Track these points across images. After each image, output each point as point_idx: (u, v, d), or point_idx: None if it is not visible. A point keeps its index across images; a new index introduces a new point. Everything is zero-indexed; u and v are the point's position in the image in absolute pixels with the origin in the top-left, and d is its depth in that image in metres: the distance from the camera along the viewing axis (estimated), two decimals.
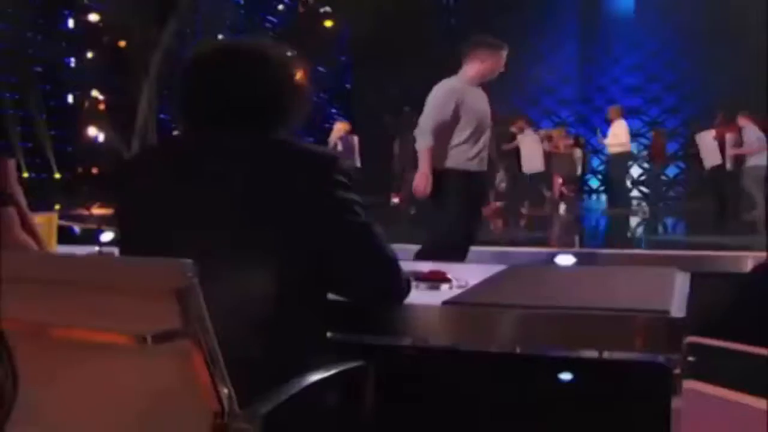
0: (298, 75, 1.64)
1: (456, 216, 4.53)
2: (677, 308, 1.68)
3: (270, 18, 19.30)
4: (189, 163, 1.54)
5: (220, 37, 17.68)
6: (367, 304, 1.69)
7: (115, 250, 2.30)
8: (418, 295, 1.76)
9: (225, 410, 1.24)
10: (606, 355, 1.79)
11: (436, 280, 1.95)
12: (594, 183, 19.51)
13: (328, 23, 19.42)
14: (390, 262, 1.63)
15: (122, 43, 17.39)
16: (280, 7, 19.52)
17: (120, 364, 1.29)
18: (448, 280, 1.96)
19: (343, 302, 1.67)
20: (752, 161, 11.23)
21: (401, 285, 1.68)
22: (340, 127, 13.22)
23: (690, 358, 1.87)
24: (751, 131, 11.29)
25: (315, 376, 1.43)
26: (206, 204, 1.49)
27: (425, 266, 2.05)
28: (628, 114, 14.97)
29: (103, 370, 1.30)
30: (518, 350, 1.78)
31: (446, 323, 1.72)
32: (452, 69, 4.77)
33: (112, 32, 17.28)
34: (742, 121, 11.39)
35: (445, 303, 1.75)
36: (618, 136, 12.80)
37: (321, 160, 1.53)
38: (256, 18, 18.70)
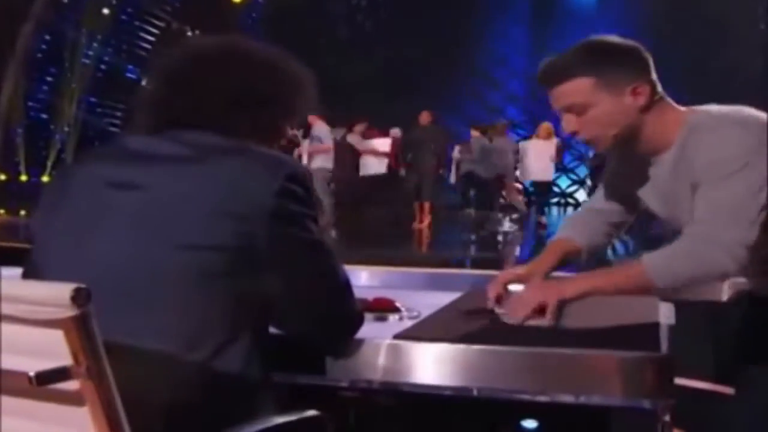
0: (286, 79, 1.73)
1: None
2: (665, 345, 1.71)
3: None
4: (124, 166, 1.60)
5: (105, 11, 17.53)
6: (312, 337, 1.70)
7: None
8: (363, 328, 1.76)
9: None
10: (581, 399, 1.79)
11: (383, 309, 1.97)
12: None
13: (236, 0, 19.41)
14: (342, 288, 1.67)
15: None
16: None
17: None
18: (397, 310, 1.98)
19: (277, 336, 1.66)
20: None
21: (353, 315, 1.72)
22: None
23: (681, 403, 1.89)
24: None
25: (264, 425, 1.48)
26: (133, 214, 1.53)
27: (369, 293, 2.05)
28: None
29: None
30: (475, 392, 1.75)
31: (396, 361, 1.71)
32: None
33: None
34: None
35: (396, 337, 1.75)
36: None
37: (271, 165, 1.56)
38: None
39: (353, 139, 14.99)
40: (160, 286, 1.48)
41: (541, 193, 14.44)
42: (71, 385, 1.20)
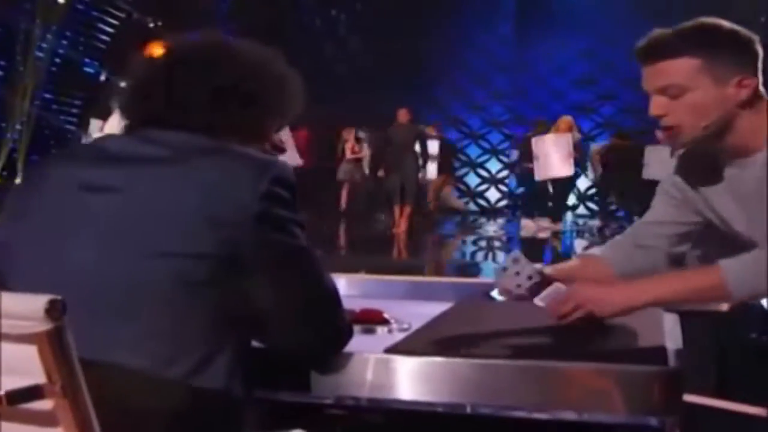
0: (273, 79, 1.73)
1: None
2: (673, 358, 1.70)
3: None
4: (99, 168, 1.59)
5: (60, 0, 17.39)
6: (297, 350, 1.68)
7: None
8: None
9: None
10: (584, 416, 1.79)
11: (371, 321, 1.96)
12: None
13: None
14: (329, 298, 1.66)
15: None
16: None
17: None
18: (386, 322, 1.98)
19: (258, 350, 1.65)
20: None
21: (342, 327, 1.70)
22: None
23: (690, 421, 1.89)
24: None
25: None
26: (109, 220, 1.52)
27: (352, 303, 2.03)
28: (575, 111, 15.61)
29: None
30: (468, 409, 1.74)
31: (384, 376, 1.70)
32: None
33: None
34: None
35: (387, 351, 1.74)
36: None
37: (255, 166, 1.55)
38: None
39: None
40: (138, 297, 1.47)
41: (560, 193, 14.34)
42: (44, 404, 1.19)
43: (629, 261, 2.21)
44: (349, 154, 16.64)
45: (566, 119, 14.03)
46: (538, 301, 1.96)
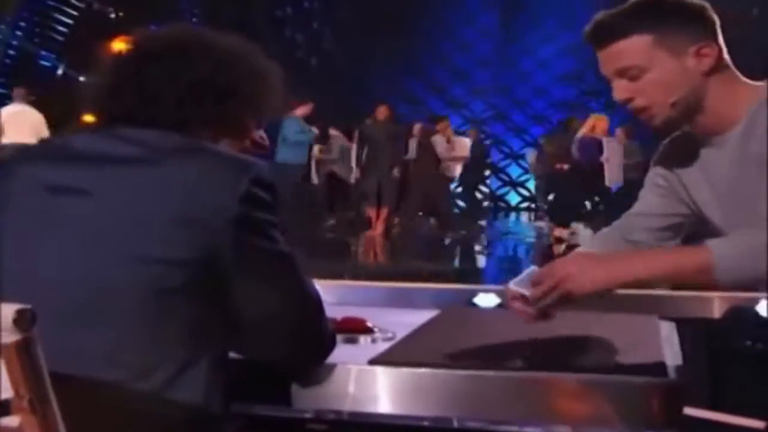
0: (251, 75, 1.73)
1: None
2: (671, 369, 1.73)
3: None
4: (69, 169, 1.58)
5: None
6: (278, 361, 1.68)
7: None
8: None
9: None
10: (573, 430, 1.79)
11: (353, 330, 1.95)
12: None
13: None
14: (311, 305, 1.66)
15: None
16: None
17: None
18: (369, 331, 1.98)
19: (233, 360, 1.64)
20: None
21: (324, 336, 1.70)
22: None
23: None
24: None
25: None
26: (80, 223, 1.52)
27: (336, 311, 2.02)
28: (559, 108, 15.62)
29: None
30: (456, 423, 1.75)
31: (367, 388, 1.70)
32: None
33: None
34: None
35: (372, 362, 1.73)
36: None
37: (234, 167, 1.55)
38: None
39: (439, 140, 14.81)
40: (111, 305, 1.46)
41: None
42: (11, 420, 1.18)
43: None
44: None
45: (604, 117, 13.54)
46: (513, 285, 1.88)
